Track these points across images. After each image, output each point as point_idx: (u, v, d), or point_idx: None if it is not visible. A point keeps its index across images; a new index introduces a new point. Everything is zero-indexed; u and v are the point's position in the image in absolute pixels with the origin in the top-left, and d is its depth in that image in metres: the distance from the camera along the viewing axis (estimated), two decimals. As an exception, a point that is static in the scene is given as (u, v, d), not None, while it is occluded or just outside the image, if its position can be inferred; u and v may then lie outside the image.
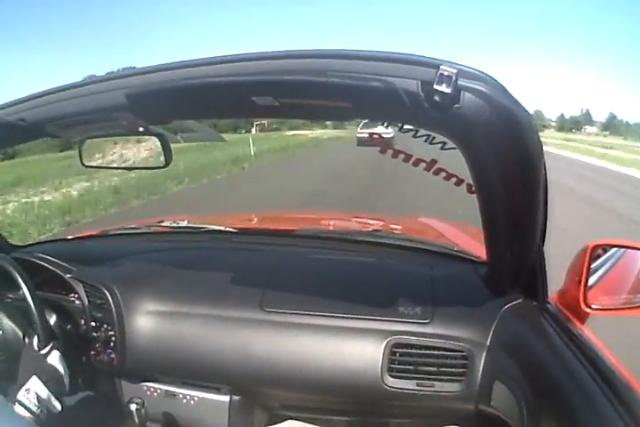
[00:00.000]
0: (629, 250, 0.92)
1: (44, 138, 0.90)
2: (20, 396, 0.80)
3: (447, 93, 0.49)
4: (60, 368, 0.85)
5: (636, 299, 0.83)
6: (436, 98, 0.50)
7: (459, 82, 0.50)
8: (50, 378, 0.83)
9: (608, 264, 0.91)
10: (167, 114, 0.72)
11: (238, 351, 0.87)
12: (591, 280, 0.86)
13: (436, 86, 0.49)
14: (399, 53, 0.54)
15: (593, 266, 0.89)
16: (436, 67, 0.50)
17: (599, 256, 0.92)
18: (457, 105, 0.50)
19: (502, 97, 0.52)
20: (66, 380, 0.86)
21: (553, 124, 79.56)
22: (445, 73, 0.49)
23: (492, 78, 0.53)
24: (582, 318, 0.82)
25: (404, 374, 0.82)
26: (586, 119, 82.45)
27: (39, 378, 0.82)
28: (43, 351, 0.84)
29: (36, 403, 0.80)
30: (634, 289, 0.87)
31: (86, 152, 1.08)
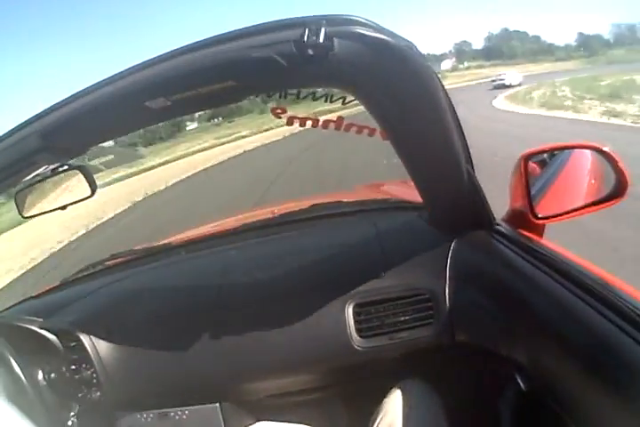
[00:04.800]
0: (570, 153, 0.90)
1: None
2: None
3: (319, 44, 0.51)
4: None
5: (586, 197, 0.82)
6: (311, 52, 0.51)
7: (328, 31, 0.51)
8: None
9: (550, 172, 0.89)
10: (79, 144, 0.73)
11: (212, 356, 0.87)
12: (539, 192, 0.85)
13: (307, 42, 0.51)
14: (266, 23, 0.56)
15: (537, 179, 0.88)
16: (303, 24, 0.52)
17: (540, 167, 0.91)
18: (332, 52, 0.52)
19: (375, 33, 0.53)
20: None
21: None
22: (313, 27, 0.51)
23: (361, 18, 0.54)
24: (538, 230, 0.81)
25: (374, 332, 0.81)
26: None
27: None
28: None
29: None
30: (582, 189, 0.86)
31: (26, 202, 1.08)
